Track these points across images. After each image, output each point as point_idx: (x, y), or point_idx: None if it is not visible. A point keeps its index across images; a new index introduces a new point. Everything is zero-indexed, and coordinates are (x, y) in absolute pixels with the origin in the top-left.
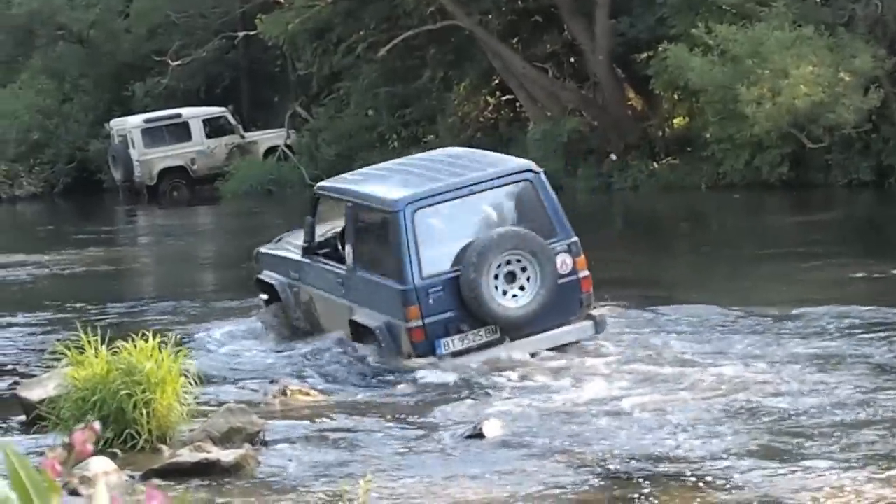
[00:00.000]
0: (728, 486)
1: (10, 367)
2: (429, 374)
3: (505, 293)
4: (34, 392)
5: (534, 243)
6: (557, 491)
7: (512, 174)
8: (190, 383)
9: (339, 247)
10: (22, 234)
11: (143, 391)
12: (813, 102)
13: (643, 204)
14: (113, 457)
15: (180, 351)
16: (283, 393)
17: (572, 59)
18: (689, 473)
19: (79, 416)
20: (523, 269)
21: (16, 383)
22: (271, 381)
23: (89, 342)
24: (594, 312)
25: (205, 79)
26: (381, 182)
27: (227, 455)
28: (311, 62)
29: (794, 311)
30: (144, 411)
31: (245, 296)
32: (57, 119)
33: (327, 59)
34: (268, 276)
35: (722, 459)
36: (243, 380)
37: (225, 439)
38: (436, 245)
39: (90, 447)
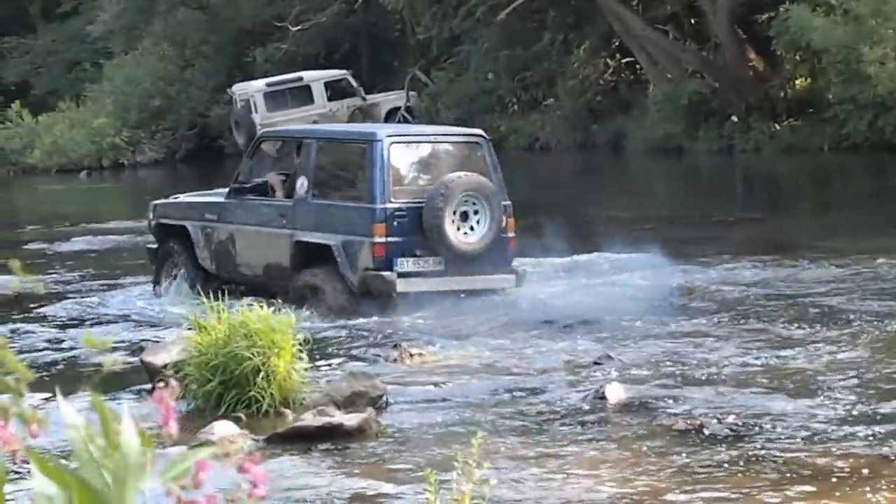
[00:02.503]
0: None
1: (134, 332)
2: (550, 337)
3: (458, 229)
4: (159, 357)
5: (489, 190)
6: (676, 460)
7: (467, 135)
8: (300, 347)
9: (269, 190)
10: (147, 201)
11: (263, 355)
12: None
13: (766, 166)
14: (237, 421)
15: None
16: (405, 356)
17: (693, 21)
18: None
19: (201, 380)
20: (475, 212)
21: (140, 349)
22: (394, 346)
23: (212, 307)
24: (516, 267)
25: (324, 44)
26: (346, 126)
27: (350, 419)
28: (430, 26)
29: None
30: (264, 375)
31: None
32: (178, 85)
33: (447, 22)
34: (171, 220)
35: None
36: (365, 344)
37: (348, 403)
38: (402, 179)
39: (173, 403)
